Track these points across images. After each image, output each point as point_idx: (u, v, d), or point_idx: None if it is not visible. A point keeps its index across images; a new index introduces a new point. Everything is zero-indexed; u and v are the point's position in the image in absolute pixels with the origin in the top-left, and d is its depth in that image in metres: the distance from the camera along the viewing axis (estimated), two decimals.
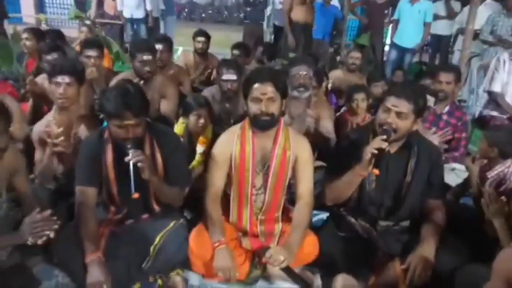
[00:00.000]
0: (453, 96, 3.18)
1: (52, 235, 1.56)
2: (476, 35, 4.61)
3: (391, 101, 1.81)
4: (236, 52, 4.03)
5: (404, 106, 1.79)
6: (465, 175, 2.78)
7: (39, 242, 1.54)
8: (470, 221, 2.02)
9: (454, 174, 2.81)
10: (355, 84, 3.45)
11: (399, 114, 1.80)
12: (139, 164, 1.69)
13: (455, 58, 5.61)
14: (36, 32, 3.67)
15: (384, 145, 1.72)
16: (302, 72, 2.63)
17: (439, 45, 6.11)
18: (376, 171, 1.76)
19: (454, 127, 3.06)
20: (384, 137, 1.74)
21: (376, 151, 1.72)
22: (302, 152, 1.94)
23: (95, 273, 1.68)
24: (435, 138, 2.41)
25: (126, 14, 6.14)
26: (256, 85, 1.82)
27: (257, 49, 4.44)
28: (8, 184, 1.81)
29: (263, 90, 1.82)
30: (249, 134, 1.92)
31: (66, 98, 2.12)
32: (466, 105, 4.04)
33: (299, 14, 5.15)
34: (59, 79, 2.10)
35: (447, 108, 3.07)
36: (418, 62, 6.18)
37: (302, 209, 1.92)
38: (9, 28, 5.68)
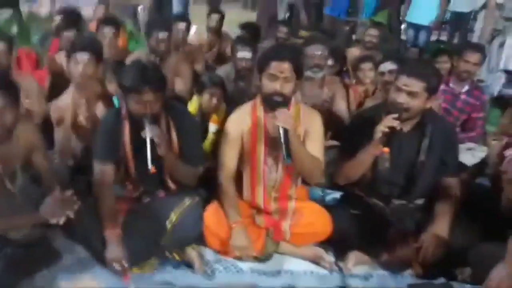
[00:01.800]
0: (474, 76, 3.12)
1: (72, 215, 1.58)
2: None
3: (402, 80, 1.78)
4: (243, 32, 3.84)
5: (415, 85, 1.76)
6: (481, 155, 2.76)
7: (60, 222, 1.57)
8: (485, 201, 2.01)
9: (469, 154, 2.78)
10: (362, 54, 3.39)
11: (410, 94, 1.77)
12: (155, 139, 1.69)
13: (475, 37, 5.43)
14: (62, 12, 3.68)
15: (396, 123, 1.71)
16: (317, 52, 2.59)
17: (458, 22, 5.91)
18: (386, 149, 1.74)
19: (472, 106, 3.01)
20: (396, 115, 1.72)
21: (387, 129, 1.70)
22: (312, 125, 1.92)
23: (114, 249, 1.73)
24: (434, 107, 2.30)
25: None
26: (274, 62, 1.78)
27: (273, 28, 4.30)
28: (26, 161, 1.85)
29: (281, 68, 1.78)
30: (260, 111, 1.91)
31: (85, 76, 2.13)
32: (484, 84, 3.94)
33: None
34: (79, 56, 2.11)
35: (466, 87, 3.01)
36: (436, 41, 6.01)
37: None
38: (23, 7, 5.69)
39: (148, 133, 1.69)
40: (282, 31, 4.03)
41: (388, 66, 2.67)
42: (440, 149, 1.91)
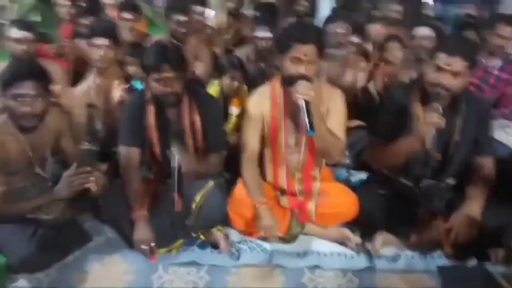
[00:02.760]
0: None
1: (93, 187, 1.64)
2: None
3: (443, 59, 1.68)
4: (259, 13, 3.65)
5: (459, 64, 1.67)
6: None
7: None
8: None
9: (503, 131, 2.66)
10: (388, 33, 3.26)
11: (454, 74, 1.68)
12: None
13: (507, 9, 5.15)
14: None
15: (442, 122, 1.64)
16: (339, 29, 2.51)
17: None
18: (438, 156, 1.69)
19: (506, 82, 2.86)
20: (440, 110, 1.65)
21: (431, 126, 1.65)
22: (334, 103, 1.87)
23: (142, 230, 1.76)
24: None
25: None
26: (298, 45, 1.70)
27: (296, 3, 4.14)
28: (55, 146, 1.89)
29: (305, 51, 1.71)
30: (280, 92, 1.87)
31: (106, 60, 2.15)
32: None
33: None
34: (99, 41, 2.13)
35: (499, 63, 2.87)
36: (465, 15, 5.74)
37: None
38: None
39: (176, 162, 1.69)
40: (303, 4, 3.91)
41: (422, 31, 2.55)
42: (475, 129, 1.83)
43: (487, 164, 1.85)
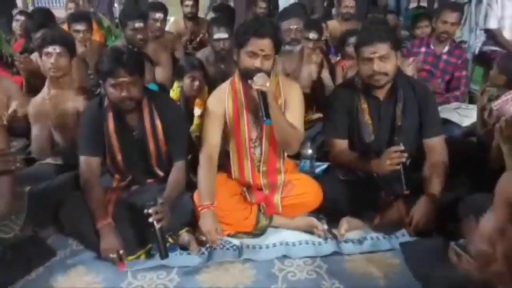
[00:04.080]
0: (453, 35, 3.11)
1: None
2: None
3: (367, 51, 1.80)
4: (217, 14, 3.79)
5: (382, 48, 1.79)
6: (466, 113, 2.77)
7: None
8: (473, 155, 2.03)
9: (456, 113, 2.79)
10: (348, 28, 3.36)
11: (381, 58, 1.78)
12: (159, 225, 1.64)
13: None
14: (24, 14, 3.66)
15: (403, 159, 1.75)
16: (293, 26, 2.57)
17: None
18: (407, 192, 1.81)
19: (454, 66, 3.01)
20: (402, 148, 1.77)
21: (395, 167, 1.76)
22: (291, 95, 1.90)
23: (108, 239, 1.74)
24: (409, 70, 2.41)
25: None
26: (254, 39, 1.74)
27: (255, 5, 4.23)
28: None
29: (262, 45, 1.74)
30: (240, 87, 1.89)
31: (58, 68, 2.10)
32: (467, 45, 3.93)
33: None
34: (50, 49, 2.08)
35: (446, 48, 3.02)
36: (417, 7, 5.96)
37: None
38: None
39: (153, 218, 1.63)
40: (261, 6, 3.99)
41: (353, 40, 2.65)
42: (416, 110, 1.93)
43: (437, 144, 1.93)
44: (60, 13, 5.14)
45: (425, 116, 1.93)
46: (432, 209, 1.78)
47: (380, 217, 1.91)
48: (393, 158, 1.76)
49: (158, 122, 1.91)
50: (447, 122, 2.58)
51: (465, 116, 2.76)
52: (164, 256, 1.67)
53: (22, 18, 3.54)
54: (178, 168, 1.93)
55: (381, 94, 1.91)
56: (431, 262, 1.58)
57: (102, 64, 1.76)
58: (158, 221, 1.64)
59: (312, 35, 2.93)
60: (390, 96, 1.91)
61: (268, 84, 1.70)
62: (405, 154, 1.75)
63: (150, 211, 1.64)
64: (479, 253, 1.12)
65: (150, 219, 1.64)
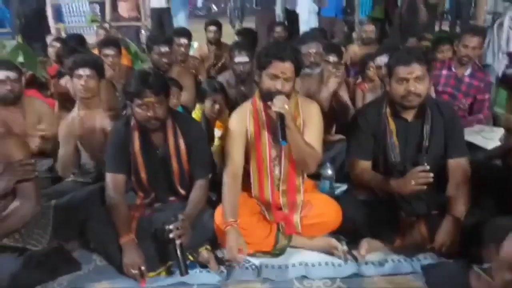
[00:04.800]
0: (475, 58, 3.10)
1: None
2: None
3: (404, 70, 1.81)
4: (240, 38, 3.92)
5: (419, 69, 1.80)
6: (491, 135, 2.73)
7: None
8: (498, 179, 1.99)
9: (479, 135, 2.74)
10: (368, 52, 3.40)
11: (417, 79, 1.80)
12: (179, 241, 1.68)
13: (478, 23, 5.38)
14: (59, 40, 3.88)
15: (429, 179, 1.74)
16: (312, 50, 2.63)
17: (459, 10, 5.88)
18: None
19: (477, 89, 2.98)
20: (428, 168, 1.75)
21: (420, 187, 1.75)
22: (310, 114, 1.94)
23: (130, 254, 1.78)
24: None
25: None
26: (276, 62, 1.80)
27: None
28: None
29: (283, 68, 1.80)
30: (261, 106, 1.94)
31: (87, 90, 2.22)
32: (491, 68, 3.90)
33: None
34: (81, 71, 2.21)
35: (469, 71, 3.00)
36: (438, 31, 5.98)
37: None
38: None
39: (173, 235, 1.68)
40: (278, 30, 4.10)
41: (383, 59, 2.68)
42: (443, 132, 1.92)
43: (461, 165, 1.91)
44: (91, 39, 5.44)
45: (450, 137, 1.92)
46: (456, 230, 1.75)
47: (401, 238, 1.88)
48: (419, 178, 1.75)
49: (181, 142, 1.97)
50: (471, 145, 2.55)
51: (489, 139, 2.71)
52: (184, 272, 1.69)
53: (58, 44, 3.73)
54: (199, 186, 1.97)
55: (409, 115, 1.92)
56: (453, 286, 1.54)
57: (130, 85, 1.85)
58: (179, 237, 1.68)
59: (332, 58, 2.98)
60: (418, 117, 1.92)
61: (286, 107, 1.76)
62: (431, 174, 1.73)
63: (171, 227, 1.68)
64: (502, 279, 1.09)
65: (171, 235, 1.67)
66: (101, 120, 2.28)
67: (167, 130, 1.95)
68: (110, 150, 1.99)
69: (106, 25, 5.02)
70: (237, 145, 1.96)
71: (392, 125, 1.93)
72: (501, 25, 3.63)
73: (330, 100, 2.51)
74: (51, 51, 3.77)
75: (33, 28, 5.07)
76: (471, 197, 1.86)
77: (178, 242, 1.67)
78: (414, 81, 1.80)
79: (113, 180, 1.95)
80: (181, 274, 1.69)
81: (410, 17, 4.83)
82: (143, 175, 1.98)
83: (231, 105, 2.62)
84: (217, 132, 2.49)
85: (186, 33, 3.64)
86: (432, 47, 3.66)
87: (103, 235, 1.88)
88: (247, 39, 3.86)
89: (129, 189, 2.05)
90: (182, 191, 2.03)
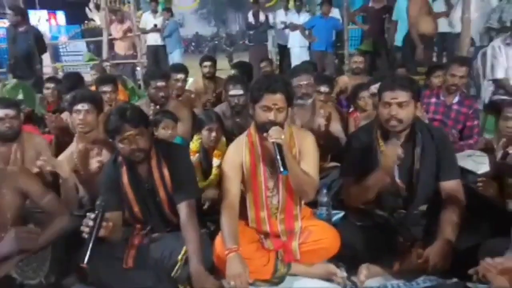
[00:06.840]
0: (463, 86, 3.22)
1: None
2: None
3: (388, 96, 1.89)
4: (235, 71, 4.03)
5: (402, 95, 1.87)
6: (481, 159, 2.78)
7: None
8: (491, 202, 2.02)
9: (470, 160, 2.80)
10: (359, 82, 3.51)
11: (400, 104, 1.86)
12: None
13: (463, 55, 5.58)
14: (53, 80, 3.98)
15: (401, 152, 1.81)
16: (303, 82, 2.71)
17: (444, 42, 6.10)
18: (401, 183, 1.85)
19: (465, 115, 3.08)
20: (397, 141, 1.83)
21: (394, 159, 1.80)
22: (305, 144, 1.99)
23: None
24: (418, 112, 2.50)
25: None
26: (267, 95, 1.85)
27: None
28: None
29: (274, 100, 1.86)
30: (256, 139, 1.99)
31: (86, 124, 2.26)
32: (476, 94, 4.03)
33: (426, 26, 4.81)
34: (79, 106, 2.26)
35: (457, 98, 3.10)
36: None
37: None
38: None
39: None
40: (263, 65, 4.33)
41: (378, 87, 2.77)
42: (433, 154, 1.96)
43: (453, 187, 1.95)
44: (88, 77, 5.56)
45: (442, 160, 1.96)
46: (447, 250, 1.75)
47: (400, 263, 1.89)
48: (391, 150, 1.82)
49: (165, 171, 1.95)
50: (462, 169, 2.59)
51: (480, 163, 2.76)
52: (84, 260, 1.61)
53: (52, 85, 3.80)
54: (181, 211, 1.91)
55: (400, 139, 1.96)
56: None
57: (109, 123, 1.84)
58: (97, 229, 1.67)
59: (324, 88, 3.09)
60: (409, 140, 1.96)
61: (283, 137, 1.80)
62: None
63: (92, 216, 1.68)
64: None
65: (90, 223, 1.67)
66: (99, 154, 2.31)
67: (151, 161, 1.95)
68: (101, 189, 1.98)
69: (107, 64, 5.16)
70: (233, 176, 1.98)
71: (382, 147, 1.98)
72: (484, 54, 3.78)
73: (324, 131, 2.58)
74: (47, 93, 3.84)
75: (23, 68, 5.23)
76: (465, 219, 1.88)
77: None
78: (397, 106, 1.86)
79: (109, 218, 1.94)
80: (82, 262, 1.61)
81: (407, 53, 5.00)
82: (136, 209, 1.98)
83: (227, 135, 2.68)
84: (215, 162, 2.53)
85: (183, 69, 3.76)
86: (428, 73, 3.80)
87: (101, 271, 1.85)
88: (242, 72, 3.97)
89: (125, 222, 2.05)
90: (175, 219, 2.01)
